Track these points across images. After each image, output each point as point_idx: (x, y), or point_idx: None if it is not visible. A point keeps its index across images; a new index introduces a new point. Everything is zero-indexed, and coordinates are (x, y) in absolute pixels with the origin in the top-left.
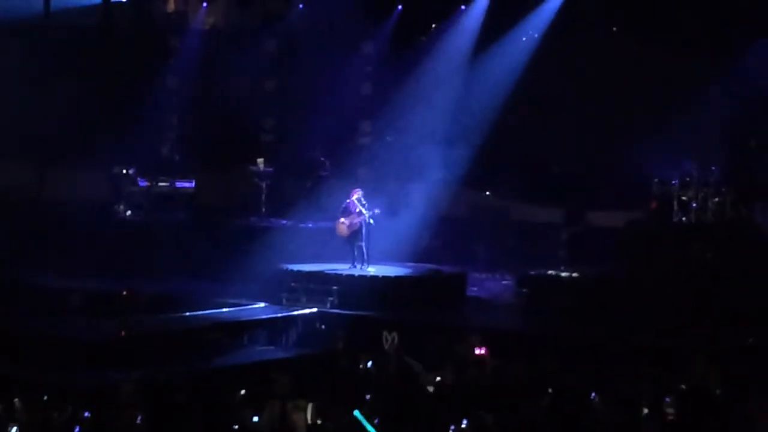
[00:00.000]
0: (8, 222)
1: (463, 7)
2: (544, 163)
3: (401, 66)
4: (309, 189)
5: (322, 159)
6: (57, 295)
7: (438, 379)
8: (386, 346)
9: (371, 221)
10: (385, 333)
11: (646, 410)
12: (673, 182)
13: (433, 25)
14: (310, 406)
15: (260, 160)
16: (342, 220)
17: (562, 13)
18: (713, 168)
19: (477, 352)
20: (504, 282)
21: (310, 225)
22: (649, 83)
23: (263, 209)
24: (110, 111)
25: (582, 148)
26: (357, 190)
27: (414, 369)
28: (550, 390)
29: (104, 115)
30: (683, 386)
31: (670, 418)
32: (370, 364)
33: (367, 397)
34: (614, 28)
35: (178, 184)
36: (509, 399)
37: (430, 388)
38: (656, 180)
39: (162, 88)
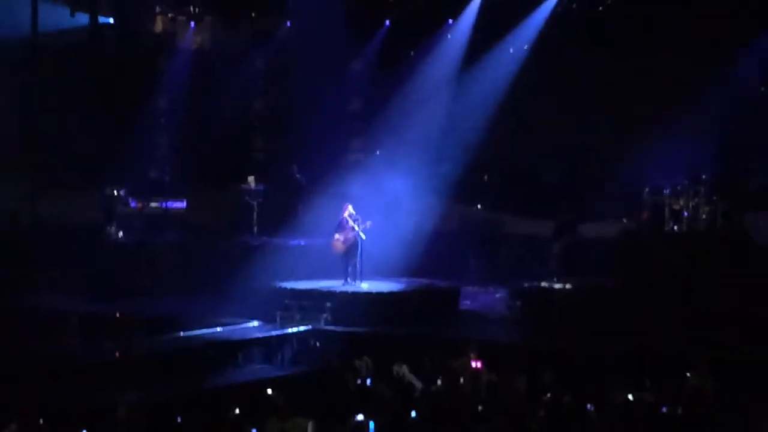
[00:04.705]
0: (1, 245)
1: (450, 21)
2: (534, 175)
3: (391, 81)
4: (287, 206)
5: (298, 176)
6: (51, 318)
7: (433, 393)
8: (363, 373)
9: (363, 235)
10: (357, 361)
11: (642, 420)
12: (665, 191)
13: (421, 40)
14: (310, 425)
15: (251, 179)
16: (337, 236)
17: (549, 24)
18: (704, 177)
19: (473, 365)
20: (497, 295)
21: (302, 242)
22: (638, 93)
23: (255, 228)
24: (100, 132)
25: (572, 160)
26: (348, 204)
27: (414, 386)
28: (545, 402)
29: (94, 136)
30: (680, 394)
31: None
32: (369, 381)
33: (360, 416)
34: (602, 38)
35: (170, 204)
36: (505, 412)
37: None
38: (647, 190)
39: (151, 109)
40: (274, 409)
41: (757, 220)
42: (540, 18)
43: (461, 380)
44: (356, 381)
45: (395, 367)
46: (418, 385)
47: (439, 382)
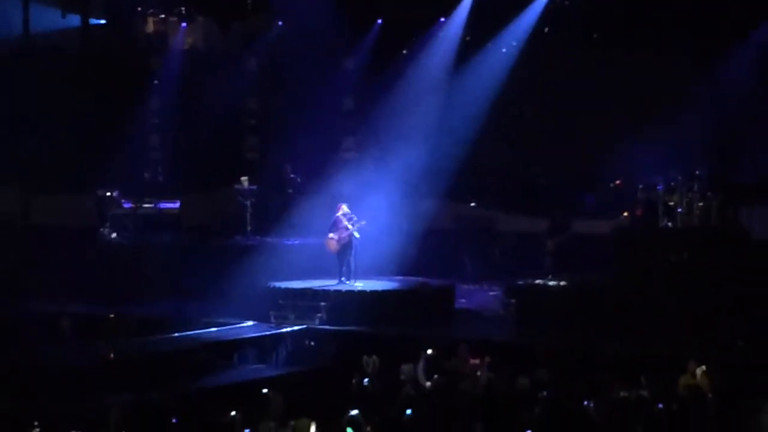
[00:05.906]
0: None
1: (442, 19)
2: (528, 173)
3: (383, 80)
4: (280, 206)
5: (292, 176)
6: (44, 321)
7: (429, 390)
8: (368, 370)
9: (357, 234)
10: (365, 357)
11: (637, 417)
12: (658, 188)
13: (414, 38)
14: (313, 426)
15: (244, 179)
16: (331, 235)
17: (541, 22)
18: (698, 172)
19: (471, 362)
20: (492, 293)
21: (296, 242)
22: (631, 90)
23: (248, 228)
24: (92, 133)
25: (566, 157)
26: (342, 204)
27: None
28: (542, 399)
29: (86, 137)
30: (675, 391)
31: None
32: (366, 381)
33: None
34: (594, 36)
35: (163, 205)
36: (501, 409)
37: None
38: (641, 186)
39: (144, 109)
40: (271, 409)
41: (753, 215)
42: (532, 16)
43: (457, 379)
44: (361, 379)
45: (403, 367)
46: (425, 383)
47: (428, 384)
